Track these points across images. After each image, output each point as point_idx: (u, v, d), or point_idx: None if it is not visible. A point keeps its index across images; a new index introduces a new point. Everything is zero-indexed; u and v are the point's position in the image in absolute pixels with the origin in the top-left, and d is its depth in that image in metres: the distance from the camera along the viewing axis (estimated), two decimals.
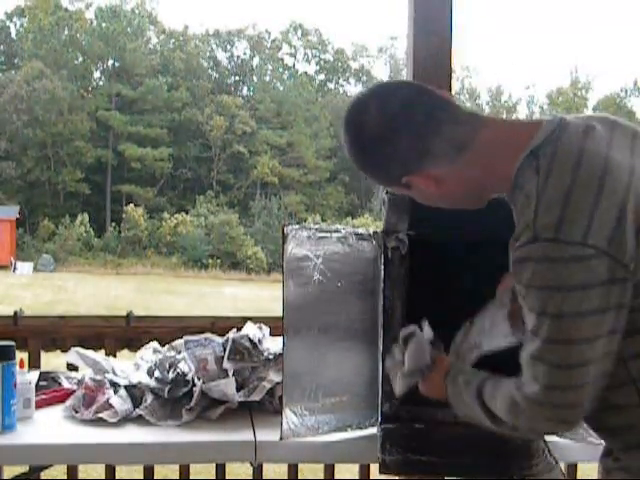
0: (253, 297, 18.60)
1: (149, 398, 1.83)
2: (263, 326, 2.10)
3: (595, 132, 1.17)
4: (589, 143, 1.13)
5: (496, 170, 1.21)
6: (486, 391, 1.25)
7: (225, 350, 1.90)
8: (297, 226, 1.65)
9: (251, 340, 1.94)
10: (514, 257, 1.10)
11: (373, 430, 1.77)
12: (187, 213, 35.83)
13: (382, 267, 1.78)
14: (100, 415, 1.77)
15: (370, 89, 1.31)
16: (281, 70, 45.02)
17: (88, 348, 2.17)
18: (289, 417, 1.63)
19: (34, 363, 2.61)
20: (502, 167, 1.19)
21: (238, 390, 1.85)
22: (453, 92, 2.39)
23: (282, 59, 45.65)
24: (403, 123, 1.22)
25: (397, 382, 1.47)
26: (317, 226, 1.71)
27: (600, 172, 1.09)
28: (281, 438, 1.62)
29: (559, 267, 1.05)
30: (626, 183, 1.09)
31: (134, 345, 2.63)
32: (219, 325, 2.49)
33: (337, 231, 1.73)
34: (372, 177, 1.34)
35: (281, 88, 43.44)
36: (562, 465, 1.63)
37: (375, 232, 1.79)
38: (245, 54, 45.34)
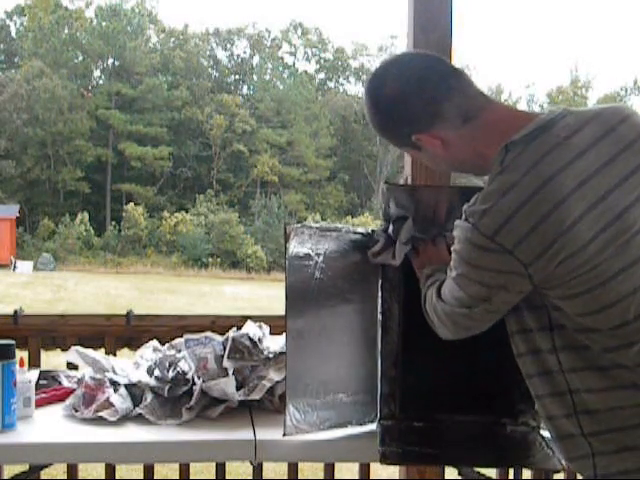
0: (253, 296, 18.60)
1: (149, 397, 1.83)
2: (263, 325, 2.10)
3: (572, 139, 1.24)
4: (553, 153, 1.23)
5: (489, 150, 1.30)
6: (431, 287, 1.52)
7: (225, 349, 1.90)
8: (299, 225, 1.66)
9: (251, 339, 1.94)
10: (457, 221, 1.30)
11: (372, 427, 1.78)
12: (187, 212, 35.83)
13: (380, 268, 1.80)
14: (100, 414, 1.77)
15: (390, 58, 1.46)
16: (281, 69, 44.99)
17: (88, 347, 2.17)
18: (292, 413, 1.62)
19: (34, 362, 2.61)
20: (492, 150, 1.29)
21: (238, 389, 1.85)
22: None
23: (282, 58, 45.65)
24: (418, 85, 1.35)
25: (396, 252, 1.70)
26: (318, 225, 1.71)
27: (536, 187, 1.20)
28: (284, 434, 1.62)
29: (469, 246, 1.26)
30: (559, 199, 1.19)
31: (134, 344, 2.63)
32: (219, 324, 2.49)
33: (337, 230, 1.73)
34: (386, 135, 1.46)
35: (281, 87, 43.41)
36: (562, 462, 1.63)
37: (373, 231, 1.79)
38: (245, 53, 45.36)
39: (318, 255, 1.68)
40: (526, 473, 2.59)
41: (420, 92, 1.35)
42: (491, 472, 2.52)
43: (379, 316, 1.79)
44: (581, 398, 1.28)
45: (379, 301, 1.80)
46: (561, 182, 1.20)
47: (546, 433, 1.71)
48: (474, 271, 1.27)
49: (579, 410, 1.28)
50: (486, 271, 1.26)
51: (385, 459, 1.65)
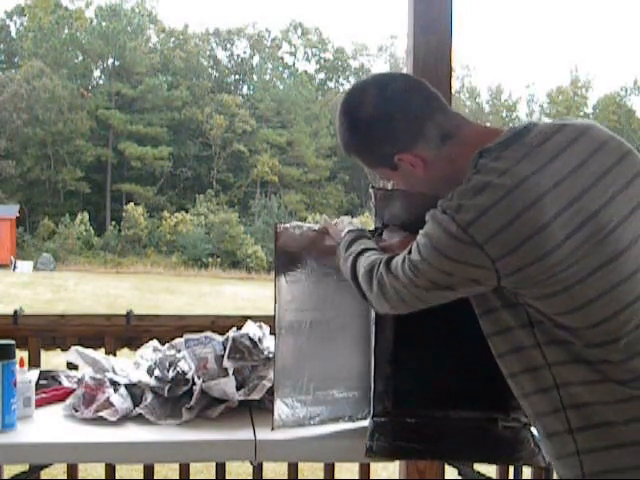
0: (253, 296, 18.60)
1: (149, 397, 1.83)
2: (263, 325, 2.10)
3: (544, 146, 1.28)
4: (527, 158, 1.26)
5: (465, 165, 1.32)
6: (363, 255, 1.51)
7: (225, 349, 1.90)
8: (289, 224, 1.69)
9: (251, 339, 1.94)
10: (430, 211, 1.31)
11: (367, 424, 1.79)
12: (187, 212, 35.84)
13: None
14: (100, 414, 1.77)
15: (369, 76, 1.45)
16: (281, 69, 45.02)
17: (88, 347, 2.17)
18: (280, 408, 1.65)
19: (34, 362, 2.61)
20: (467, 163, 1.32)
21: (238, 389, 1.85)
22: (453, 91, 2.39)
23: (282, 58, 45.68)
24: (401, 105, 1.37)
25: None
26: (309, 224, 1.73)
27: (511, 186, 1.22)
28: (272, 428, 1.64)
29: (442, 234, 1.26)
30: (534, 199, 1.21)
31: (134, 344, 2.63)
32: (219, 324, 2.49)
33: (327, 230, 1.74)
34: (362, 155, 1.45)
35: (281, 87, 43.43)
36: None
37: (367, 230, 1.79)
38: (245, 53, 45.39)
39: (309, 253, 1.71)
40: (526, 473, 2.59)
41: (405, 111, 1.36)
42: (491, 472, 2.52)
43: (373, 314, 1.80)
44: (568, 392, 1.28)
45: None
46: (536, 182, 1.22)
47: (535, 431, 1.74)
48: (440, 259, 1.27)
49: (566, 405, 1.29)
50: (452, 261, 1.26)
51: (371, 453, 1.65)
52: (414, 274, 1.31)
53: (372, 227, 1.82)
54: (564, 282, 1.22)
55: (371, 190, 1.74)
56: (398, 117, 1.36)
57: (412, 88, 1.39)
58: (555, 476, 1.38)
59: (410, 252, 1.33)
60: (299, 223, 1.73)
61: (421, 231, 1.31)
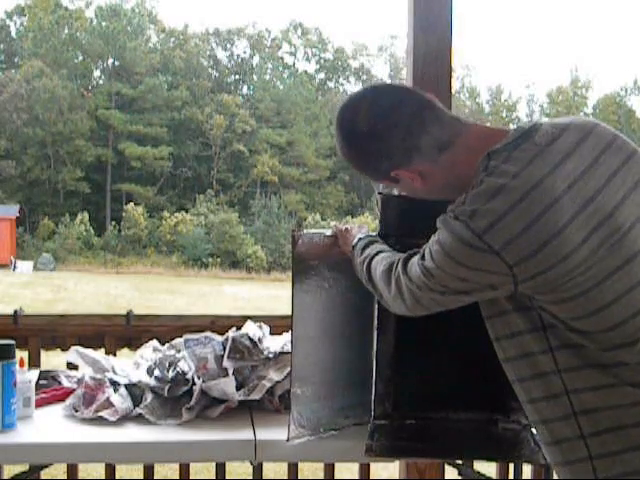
0: (253, 296, 18.60)
1: (149, 397, 1.83)
2: (263, 325, 2.10)
3: (554, 145, 1.26)
4: (539, 158, 1.24)
5: (471, 170, 1.30)
6: (379, 255, 1.52)
7: (225, 349, 1.90)
8: (306, 231, 1.69)
9: (251, 339, 1.94)
10: (441, 216, 1.29)
11: None
12: (187, 212, 35.84)
13: None
14: (100, 414, 1.77)
15: (360, 91, 1.43)
16: (281, 69, 45.01)
17: (88, 347, 2.17)
18: (296, 419, 1.64)
19: (34, 362, 2.61)
20: (472, 167, 1.30)
21: (238, 389, 1.85)
22: (453, 91, 2.39)
23: (282, 58, 45.66)
24: (392, 121, 1.34)
25: None
26: (322, 231, 1.74)
27: (527, 189, 1.20)
28: (288, 439, 1.63)
29: (455, 242, 1.24)
30: (551, 201, 1.20)
31: (134, 344, 2.64)
32: (219, 324, 2.50)
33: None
34: (363, 172, 1.45)
35: (281, 87, 43.42)
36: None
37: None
38: (245, 53, 45.37)
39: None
40: (526, 472, 2.59)
41: (394, 128, 1.33)
42: (491, 472, 2.52)
43: (376, 316, 1.80)
44: (579, 398, 1.26)
45: (375, 300, 1.81)
46: (551, 184, 1.21)
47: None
48: (454, 266, 1.25)
49: (577, 411, 1.27)
50: (467, 268, 1.24)
51: (371, 452, 1.66)
52: (428, 279, 1.30)
53: (373, 228, 1.82)
54: (582, 286, 1.20)
55: (378, 196, 1.74)
56: (389, 135, 1.33)
57: (402, 102, 1.35)
58: (555, 476, 1.37)
59: (423, 257, 1.31)
60: (313, 231, 1.74)
61: (433, 237, 1.30)
